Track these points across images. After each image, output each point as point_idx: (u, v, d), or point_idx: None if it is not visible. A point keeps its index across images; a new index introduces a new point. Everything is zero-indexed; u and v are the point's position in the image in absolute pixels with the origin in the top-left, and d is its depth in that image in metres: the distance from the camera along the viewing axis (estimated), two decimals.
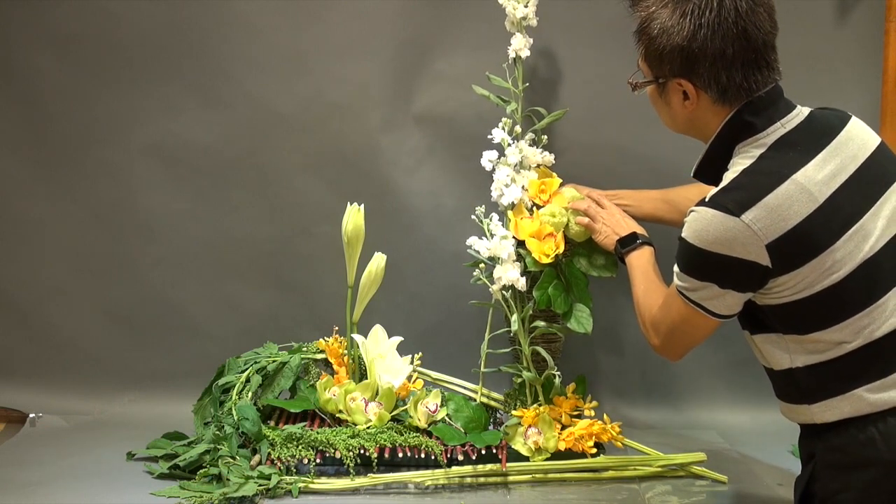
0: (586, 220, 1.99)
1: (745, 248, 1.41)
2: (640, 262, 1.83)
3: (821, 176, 1.44)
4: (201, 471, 1.90)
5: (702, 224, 1.44)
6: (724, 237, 1.41)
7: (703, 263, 1.46)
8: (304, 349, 2.17)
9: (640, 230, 1.92)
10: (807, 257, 1.42)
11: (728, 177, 1.48)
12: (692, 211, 1.47)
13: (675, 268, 1.52)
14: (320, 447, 1.93)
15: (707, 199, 1.45)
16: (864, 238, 1.44)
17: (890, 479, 1.44)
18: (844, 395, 1.46)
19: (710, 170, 1.56)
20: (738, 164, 1.48)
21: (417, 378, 2.12)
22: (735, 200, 1.42)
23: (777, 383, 1.56)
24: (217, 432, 1.97)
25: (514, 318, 2.00)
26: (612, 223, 1.95)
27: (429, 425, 2.00)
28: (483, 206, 2.07)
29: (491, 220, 2.05)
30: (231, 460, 1.90)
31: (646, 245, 1.87)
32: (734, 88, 1.49)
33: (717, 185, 1.49)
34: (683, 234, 1.48)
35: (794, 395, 1.53)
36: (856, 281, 1.43)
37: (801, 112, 1.52)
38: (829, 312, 1.45)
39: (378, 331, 2.09)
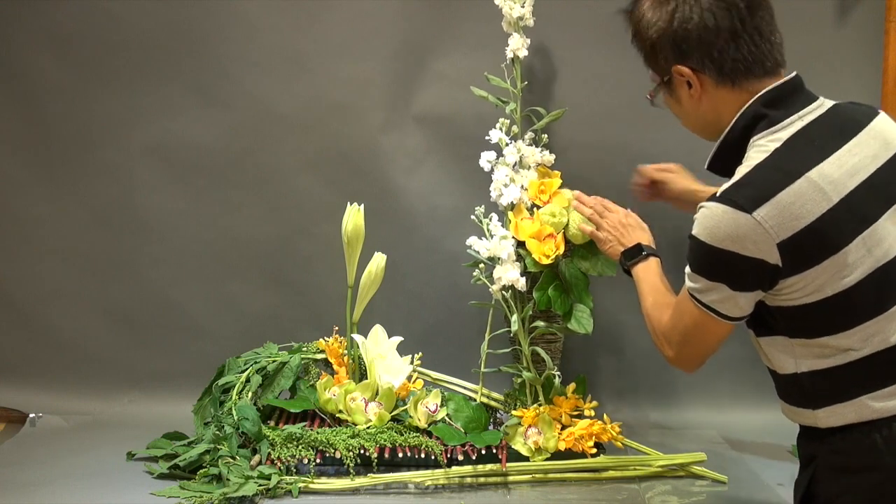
0: (590, 228, 1.93)
1: (757, 246, 1.37)
2: (647, 274, 1.75)
3: (837, 174, 1.39)
4: (201, 471, 1.90)
5: (713, 221, 1.39)
6: (736, 234, 1.37)
7: (714, 262, 1.41)
8: (304, 349, 2.17)
9: (645, 240, 1.82)
10: (818, 258, 1.38)
11: (741, 171, 1.42)
12: (702, 206, 1.42)
13: (686, 269, 1.48)
14: (320, 447, 1.93)
15: (718, 195, 1.40)
16: (877, 243, 1.40)
17: (892, 483, 1.42)
18: (849, 402, 1.43)
19: (723, 162, 1.52)
20: (752, 159, 1.43)
21: (417, 378, 2.11)
22: (747, 196, 1.37)
23: (780, 385, 1.54)
24: (217, 432, 1.97)
25: (514, 318, 2.00)
26: (617, 233, 1.87)
27: (429, 425, 2.00)
28: (483, 206, 2.07)
29: (490, 220, 2.05)
30: (231, 460, 1.90)
31: (652, 256, 1.78)
32: (730, 62, 1.45)
33: (730, 178, 1.44)
34: (694, 232, 1.43)
35: (799, 399, 1.50)
36: (867, 287, 1.39)
37: (823, 104, 1.47)
38: (839, 318, 1.41)
39: (378, 331, 2.09)
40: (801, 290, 1.41)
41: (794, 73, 1.49)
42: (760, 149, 1.43)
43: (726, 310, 1.45)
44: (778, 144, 1.42)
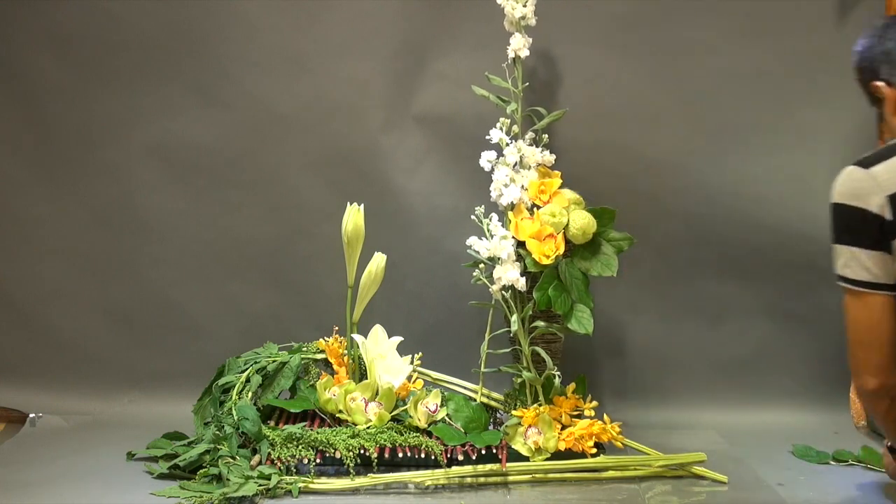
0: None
1: (870, 198, 1.47)
2: None
3: None
4: (201, 471, 1.90)
5: (839, 179, 1.52)
6: (853, 187, 1.48)
7: (837, 219, 1.52)
8: (304, 349, 2.17)
9: None
10: None
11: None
12: None
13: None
14: (320, 447, 1.93)
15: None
16: None
17: None
18: None
19: None
20: None
21: (417, 378, 2.12)
22: (872, 158, 1.50)
23: None
24: (217, 432, 1.97)
25: (514, 318, 2.00)
26: None
27: (429, 425, 2.00)
28: (483, 206, 2.07)
29: (490, 220, 2.05)
30: (231, 460, 1.90)
31: None
32: None
33: None
34: None
35: None
36: None
37: None
38: None
39: (378, 331, 2.09)
40: None
41: None
42: None
43: (855, 273, 1.51)
44: None
